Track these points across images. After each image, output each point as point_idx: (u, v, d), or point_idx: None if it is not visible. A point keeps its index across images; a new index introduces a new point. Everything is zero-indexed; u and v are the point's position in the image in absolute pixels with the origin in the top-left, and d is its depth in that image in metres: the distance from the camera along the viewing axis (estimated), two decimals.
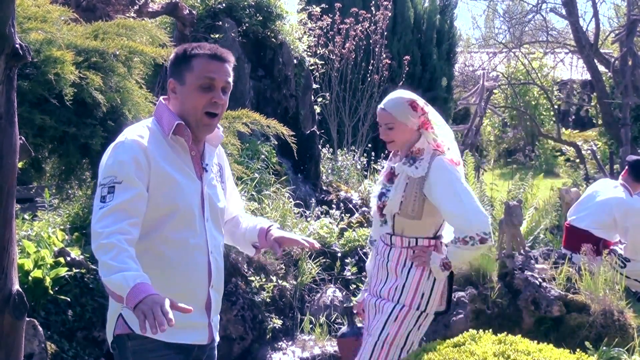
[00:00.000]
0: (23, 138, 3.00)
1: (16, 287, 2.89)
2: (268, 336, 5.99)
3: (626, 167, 6.66)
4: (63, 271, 4.89)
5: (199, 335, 2.86)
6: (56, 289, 4.89)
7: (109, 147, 2.75)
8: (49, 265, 4.87)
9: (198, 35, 7.85)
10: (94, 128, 4.34)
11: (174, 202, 2.71)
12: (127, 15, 6.32)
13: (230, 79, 2.81)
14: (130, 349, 2.74)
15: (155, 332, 2.31)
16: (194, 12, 7.82)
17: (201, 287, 2.83)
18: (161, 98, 2.87)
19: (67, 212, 6.14)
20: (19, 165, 3.15)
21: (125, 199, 2.58)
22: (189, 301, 2.64)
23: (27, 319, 3.46)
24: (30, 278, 4.72)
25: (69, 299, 4.92)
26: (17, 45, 2.73)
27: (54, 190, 6.20)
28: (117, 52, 4.63)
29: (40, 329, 4.42)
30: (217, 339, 3.00)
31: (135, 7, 6.74)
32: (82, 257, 5.19)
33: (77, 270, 5.05)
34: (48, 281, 4.78)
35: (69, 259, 5.03)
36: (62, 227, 5.83)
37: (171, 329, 2.56)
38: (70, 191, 5.92)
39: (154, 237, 2.71)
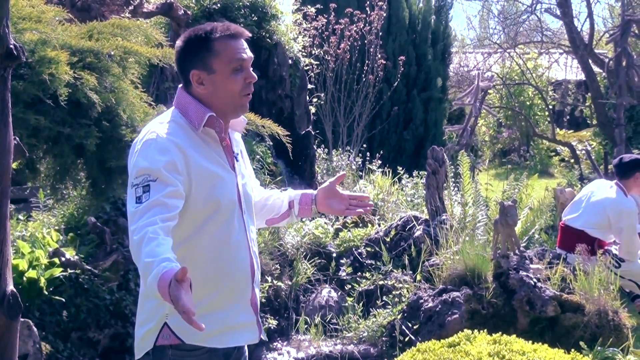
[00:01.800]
0: (17, 138, 3.00)
1: (10, 287, 2.88)
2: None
3: (615, 169, 6.66)
4: (58, 272, 4.89)
5: (250, 335, 2.73)
6: (51, 289, 4.89)
7: (135, 144, 2.55)
8: (43, 266, 4.87)
9: None
10: (88, 128, 4.32)
11: (216, 198, 2.55)
12: (122, 15, 6.30)
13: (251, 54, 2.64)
14: (170, 357, 2.54)
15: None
16: (189, 12, 7.81)
17: (246, 284, 2.68)
18: (180, 87, 2.67)
19: (62, 212, 6.13)
20: (13, 165, 3.15)
21: (161, 194, 2.36)
22: (236, 300, 2.63)
23: (22, 319, 3.46)
24: (24, 278, 4.72)
25: (63, 300, 4.92)
26: (11, 46, 2.72)
27: (48, 191, 6.18)
28: (112, 53, 4.61)
29: (35, 329, 4.42)
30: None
31: (130, 8, 6.73)
32: (76, 257, 5.19)
33: (72, 271, 5.05)
34: (42, 282, 4.78)
35: (63, 259, 5.03)
36: (56, 227, 5.82)
37: (222, 333, 2.57)
38: (64, 192, 5.90)
39: (197, 238, 2.55)
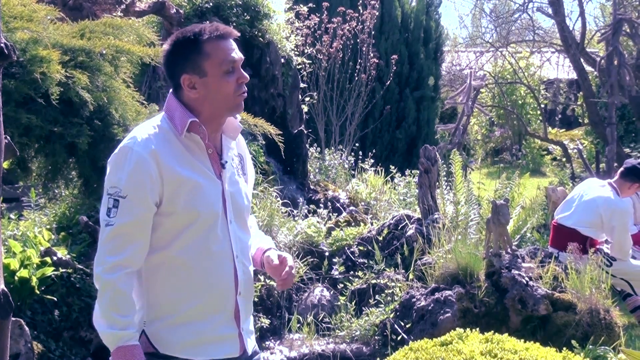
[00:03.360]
0: (8, 137, 2.99)
1: (2, 286, 2.87)
2: (256, 335, 5.98)
3: (621, 169, 6.67)
4: (49, 271, 4.88)
5: (229, 348, 2.63)
6: (42, 288, 4.88)
7: (118, 147, 2.55)
8: (35, 265, 4.85)
9: None
10: (80, 127, 4.32)
11: (194, 208, 2.50)
12: (114, 14, 6.29)
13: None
14: None
15: None
16: (181, 11, 7.80)
17: (228, 295, 2.60)
18: (170, 92, 2.62)
19: (54, 211, 6.12)
20: (5, 164, 3.14)
21: (128, 221, 2.43)
22: (216, 312, 2.57)
23: (13, 318, 3.45)
24: (16, 278, 4.70)
25: (55, 299, 4.91)
26: (2, 45, 2.71)
27: (40, 190, 6.18)
28: (104, 51, 4.61)
29: (27, 328, 4.40)
30: (251, 348, 2.72)
31: (122, 6, 6.71)
32: (68, 256, 5.17)
33: (64, 270, 5.04)
34: (34, 281, 4.76)
35: (55, 258, 5.02)
36: (48, 226, 5.81)
37: (199, 344, 2.53)
38: (56, 190, 5.91)
39: (174, 247, 2.52)
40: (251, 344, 2.72)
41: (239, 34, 2.64)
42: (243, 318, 2.66)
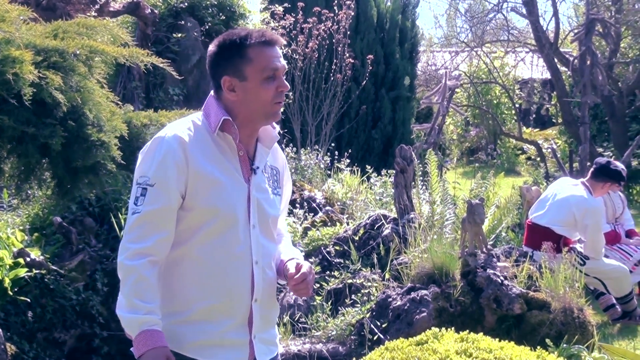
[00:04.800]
0: None
1: None
2: None
3: (592, 169, 6.73)
4: (22, 272, 4.85)
5: (237, 354, 2.59)
6: (15, 289, 4.85)
7: (151, 139, 2.58)
8: (8, 266, 4.83)
9: (160, 34, 7.80)
10: (53, 128, 4.28)
11: (214, 205, 2.49)
12: (88, 14, 6.26)
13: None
14: None
15: None
16: (155, 11, 7.77)
17: (242, 300, 2.57)
18: (211, 92, 2.64)
19: (27, 212, 6.08)
20: None
21: (155, 208, 2.44)
22: (228, 314, 2.55)
23: None
24: None
25: (28, 300, 4.88)
26: None
27: (13, 191, 6.13)
28: (78, 52, 4.57)
29: (0, 330, 4.37)
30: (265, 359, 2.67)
31: (96, 7, 6.68)
32: (42, 257, 5.15)
33: (37, 271, 5.01)
34: (7, 282, 4.74)
35: (28, 259, 4.99)
36: (21, 227, 5.77)
37: (206, 346, 2.51)
38: (29, 191, 5.86)
39: (193, 243, 2.52)
40: (265, 354, 2.67)
41: (284, 42, 2.65)
42: (258, 326, 2.62)
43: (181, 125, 2.55)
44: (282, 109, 2.66)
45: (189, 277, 2.52)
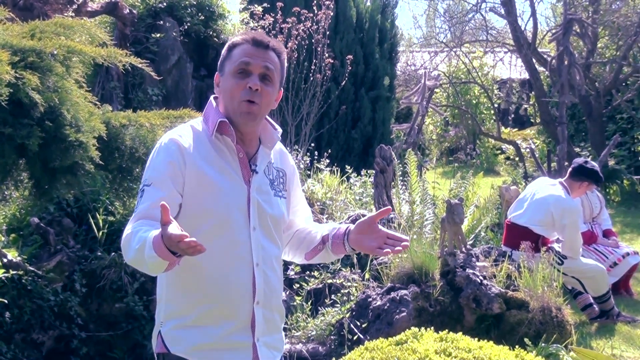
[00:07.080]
0: None
1: None
2: None
3: (570, 169, 6.77)
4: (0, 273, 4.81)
5: (242, 356, 2.56)
6: None
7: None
8: None
9: (139, 34, 7.76)
10: (30, 128, 4.25)
11: (210, 206, 2.48)
12: (66, 14, 6.22)
13: (271, 66, 2.56)
14: None
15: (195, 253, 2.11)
16: (134, 11, 7.74)
17: (243, 303, 2.54)
18: (212, 96, 2.67)
19: (4, 213, 6.03)
20: None
21: (150, 203, 2.40)
22: (229, 317, 2.52)
23: None
24: None
25: (6, 301, 4.85)
26: None
27: None
28: (55, 52, 4.54)
29: None
30: None
31: (74, 6, 6.64)
32: (19, 258, 5.11)
33: (15, 272, 4.98)
34: None
35: (5, 260, 4.96)
36: None
37: (208, 349, 2.50)
38: (6, 192, 5.81)
39: None
40: (269, 359, 2.63)
41: (276, 46, 2.62)
42: (261, 329, 2.59)
43: (179, 130, 2.57)
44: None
45: (189, 281, 2.50)
